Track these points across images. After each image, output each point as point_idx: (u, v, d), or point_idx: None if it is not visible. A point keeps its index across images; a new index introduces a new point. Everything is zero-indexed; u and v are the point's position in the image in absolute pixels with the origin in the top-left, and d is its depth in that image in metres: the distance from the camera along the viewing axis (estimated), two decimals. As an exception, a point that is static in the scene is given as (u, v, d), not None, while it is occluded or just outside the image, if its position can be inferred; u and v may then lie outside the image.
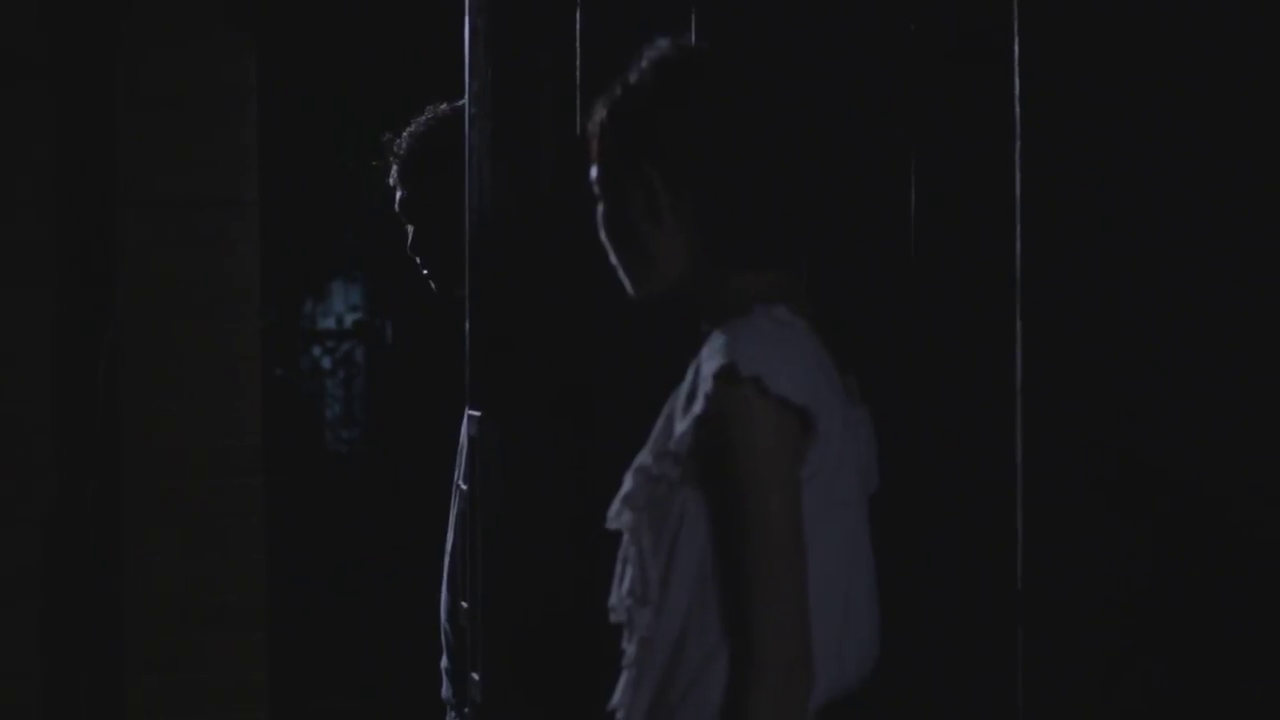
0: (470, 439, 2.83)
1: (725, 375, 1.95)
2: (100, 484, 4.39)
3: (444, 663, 3.15)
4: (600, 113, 2.14)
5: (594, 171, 2.13)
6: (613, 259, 2.16)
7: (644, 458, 2.06)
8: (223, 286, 4.44)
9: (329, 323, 9.86)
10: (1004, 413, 2.25)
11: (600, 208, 2.15)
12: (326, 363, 9.71)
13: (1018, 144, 2.23)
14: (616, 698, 2.12)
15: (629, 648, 2.08)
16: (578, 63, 2.74)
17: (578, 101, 2.76)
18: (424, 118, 3.22)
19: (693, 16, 2.60)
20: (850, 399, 2.11)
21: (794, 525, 1.94)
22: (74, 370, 4.42)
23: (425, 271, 3.19)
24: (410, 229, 3.18)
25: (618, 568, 2.12)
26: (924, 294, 2.42)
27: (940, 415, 2.39)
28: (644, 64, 2.13)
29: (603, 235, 2.15)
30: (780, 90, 2.15)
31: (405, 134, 3.21)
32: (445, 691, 3.16)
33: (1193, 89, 2.11)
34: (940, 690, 2.38)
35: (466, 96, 2.82)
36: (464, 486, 2.94)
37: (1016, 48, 2.24)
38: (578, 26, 2.74)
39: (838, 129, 2.52)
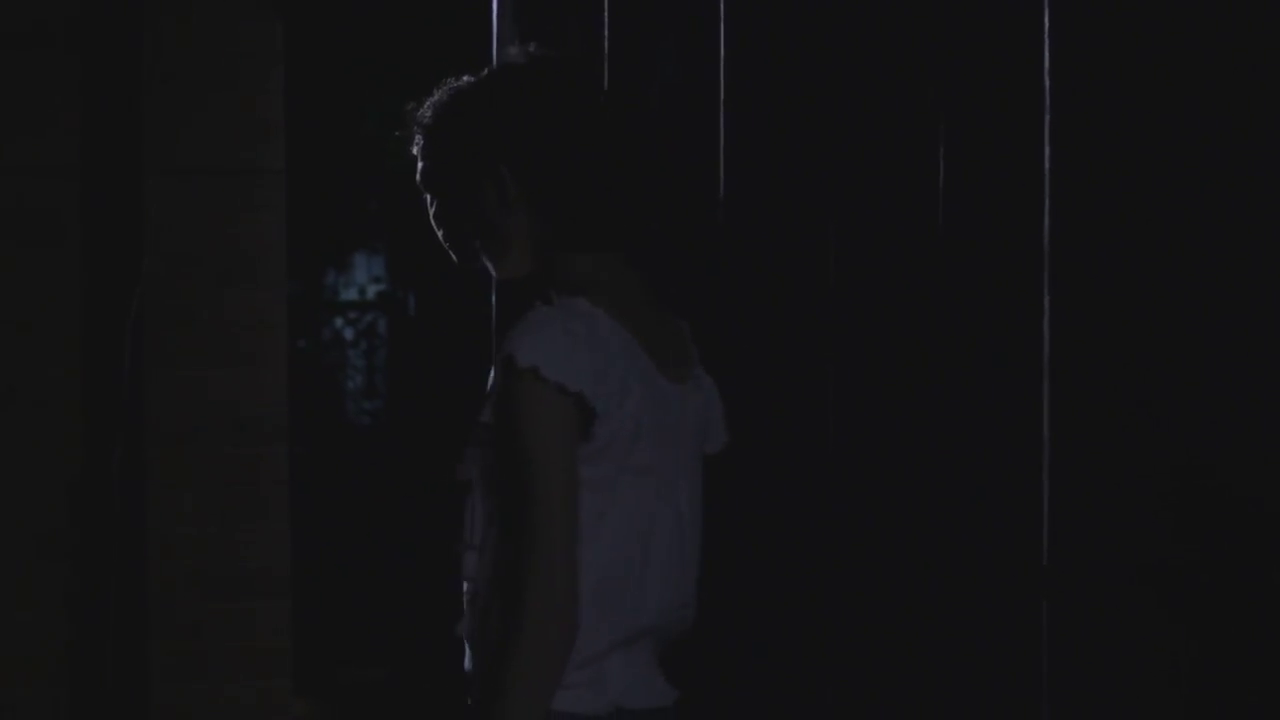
0: (495, 409, 2.83)
1: (506, 364, 2.15)
2: (125, 451, 4.40)
3: (467, 633, 3.16)
4: (432, 114, 2.36)
5: (421, 169, 2.37)
6: (448, 245, 2.37)
7: (484, 413, 2.22)
8: (248, 255, 4.44)
9: (351, 294, 9.86)
10: (1031, 390, 2.25)
11: (435, 202, 2.36)
12: (349, 334, 9.72)
13: (1047, 117, 2.22)
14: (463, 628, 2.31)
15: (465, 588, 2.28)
16: (605, 32, 2.73)
17: (605, 71, 2.75)
18: (449, 87, 3.21)
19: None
20: (665, 374, 2.23)
21: (568, 494, 2.14)
22: (99, 337, 4.43)
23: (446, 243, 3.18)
24: (432, 200, 3.17)
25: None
26: (951, 269, 2.42)
27: (967, 392, 2.39)
28: (492, 68, 2.36)
29: (441, 226, 2.37)
30: (784, 66, 2.20)
31: (429, 103, 3.20)
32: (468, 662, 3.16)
33: (1230, 61, 2.09)
34: (967, 663, 2.38)
35: (494, 67, 2.81)
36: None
37: (1046, 20, 2.23)
38: (605, -3, 2.73)
39: (869, 102, 2.51)
